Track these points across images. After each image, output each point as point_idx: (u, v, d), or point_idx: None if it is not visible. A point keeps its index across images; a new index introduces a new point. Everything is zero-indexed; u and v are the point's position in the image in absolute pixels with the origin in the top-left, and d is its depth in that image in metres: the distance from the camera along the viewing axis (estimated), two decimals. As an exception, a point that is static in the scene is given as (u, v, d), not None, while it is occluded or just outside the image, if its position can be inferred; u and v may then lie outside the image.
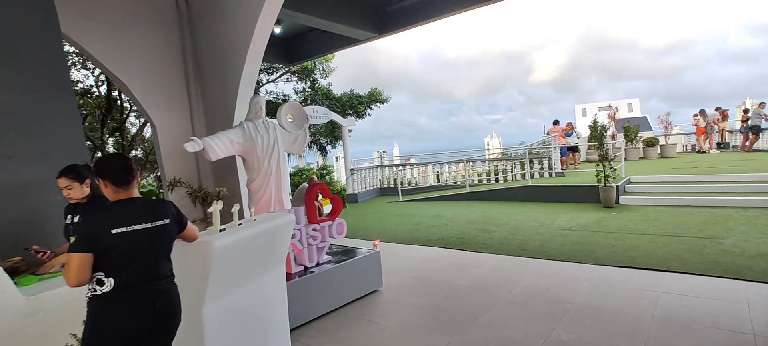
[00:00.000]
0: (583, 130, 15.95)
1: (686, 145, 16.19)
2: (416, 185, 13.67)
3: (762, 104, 13.96)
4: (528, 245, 5.94)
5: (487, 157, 14.03)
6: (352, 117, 14.15)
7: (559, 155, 11.89)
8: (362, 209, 11.28)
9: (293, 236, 4.02)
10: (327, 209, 11.51)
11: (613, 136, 15.21)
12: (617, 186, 8.35)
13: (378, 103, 14.53)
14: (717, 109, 15.91)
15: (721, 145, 15.57)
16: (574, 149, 13.27)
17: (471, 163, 12.99)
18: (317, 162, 21.05)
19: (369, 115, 14.92)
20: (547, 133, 13.23)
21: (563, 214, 8.04)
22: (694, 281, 4.08)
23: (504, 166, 12.18)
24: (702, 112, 15.77)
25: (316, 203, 4.69)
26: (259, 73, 13.47)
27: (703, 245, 5.22)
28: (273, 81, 14.13)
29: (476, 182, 12.53)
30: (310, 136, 16.78)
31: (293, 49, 9.49)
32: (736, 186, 8.10)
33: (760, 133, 14.01)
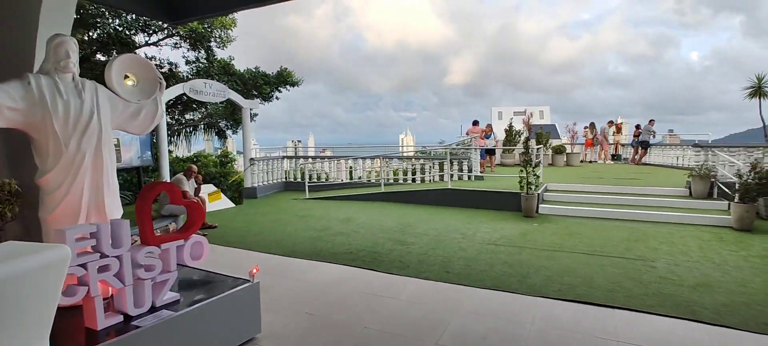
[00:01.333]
0: (498, 133, 15.96)
1: (586, 155, 17.13)
2: (326, 179, 12.30)
3: (652, 122, 15.13)
4: (452, 265, 4.97)
5: (404, 154, 13.17)
6: (257, 99, 12.23)
7: (479, 158, 11.43)
8: (260, 206, 9.59)
9: (105, 269, 2.45)
10: (217, 203, 9.46)
11: (527, 142, 15.45)
12: (538, 195, 7.90)
13: (288, 86, 12.77)
14: (610, 123, 17.07)
15: (615, 157, 16.73)
16: (491, 152, 13.01)
17: (387, 160, 11.98)
18: (226, 146, 18.54)
19: (277, 98, 13.07)
20: (466, 134, 12.77)
21: (485, 223, 7.34)
22: (650, 324, 3.38)
23: (421, 166, 11.38)
24: (591, 126, 16.80)
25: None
26: (132, 31, 10.80)
27: (638, 269, 4.71)
28: (155, 43, 11.51)
29: (392, 181, 11.57)
30: (206, 117, 14.41)
31: (177, 2, 7.45)
32: (642, 199, 8.14)
33: (649, 149, 15.19)
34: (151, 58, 11.42)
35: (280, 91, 12.83)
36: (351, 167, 12.89)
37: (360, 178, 12.23)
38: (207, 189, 9.52)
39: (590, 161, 16.72)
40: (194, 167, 6.52)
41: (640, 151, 15.32)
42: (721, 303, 3.72)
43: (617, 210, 7.63)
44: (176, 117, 13.06)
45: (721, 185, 7.81)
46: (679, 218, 7.10)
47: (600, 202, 8.31)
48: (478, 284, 4.28)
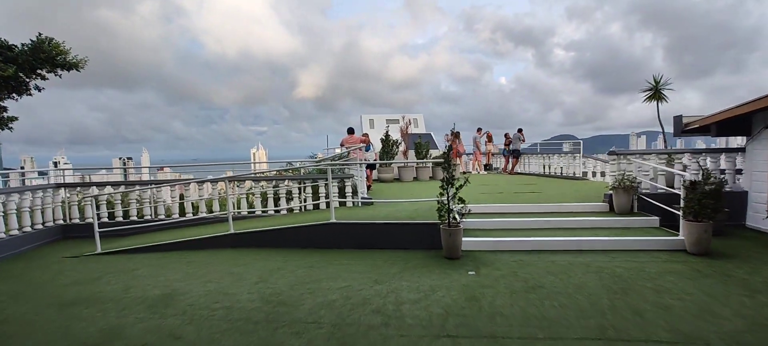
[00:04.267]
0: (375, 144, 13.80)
1: (474, 166, 16.33)
2: (140, 217, 8.08)
3: (520, 130, 15.02)
4: None
5: (262, 173, 9.73)
6: None
7: (363, 175, 8.86)
8: (-12, 283, 5.11)
9: None
10: None
11: (406, 153, 13.66)
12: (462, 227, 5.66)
13: (57, 69, 7.94)
14: (479, 130, 16.69)
15: (487, 167, 16.33)
16: (371, 167, 10.66)
17: (238, 184, 8.46)
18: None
19: (38, 88, 8.07)
20: (342, 145, 10.15)
21: (402, 278, 4.75)
22: None
23: (288, 190, 8.23)
24: (456, 135, 16.20)
25: None
26: None
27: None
28: None
29: (246, 213, 8.11)
30: None
31: None
32: (567, 220, 6.70)
33: (520, 157, 15.03)
34: None
35: (43, 78, 7.92)
36: (182, 196, 8.89)
37: (196, 207, 8.40)
38: None
39: (463, 172, 15.95)
40: None
41: (511, 161, 15.08)
42: None
43: (552, 238, 5.92)
44: None
45: (643, 197, 6.87)
46: (625, 244, 5.72)
47: (524, 227, 6.60)
48: None
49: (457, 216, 5.58)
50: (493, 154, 16.68)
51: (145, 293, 4.48)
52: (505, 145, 15.31)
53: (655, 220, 6.41)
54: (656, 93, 9.88)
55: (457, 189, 5.54)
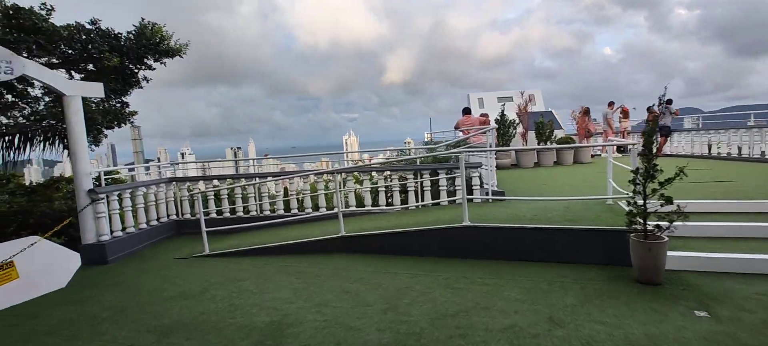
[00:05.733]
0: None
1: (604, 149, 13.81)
2: (246, 212, 7.61)
3: (670, 102, 12.10)
4: None
5: (376, 162, 8.72)
6: (98, 82, 6.94)
7: (494, 164, 7.33)
8: (98, 287, 4.77)
9: None
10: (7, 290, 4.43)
11: (525, 136, 11.76)
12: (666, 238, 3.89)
13: (160, 57, 7.74)
14: (610, 104, 13.91)
15: (623, 149, 13.58)
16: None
17: (343, 176, 7.52)
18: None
19: (146, 79, 8.00)
20: (457, 128, 8.69)
21: (588, 316, 3.25)
22: None
23: (402, 182, 7.05)
24: (585, 111, 13.58)
25: None
26: None
27: None
28: None
29: (353, 207, 7.15)
30: (35, 119, 8.71)
31: None
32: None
33: (670, 136, 12.13)
34: None
35: (151, 68, 7.78)
36: (287, 189, 8.28)
37: (301, 203, 7.70)
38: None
39: (593, 156, 13.45)
40: None
41: (658, 140, 12.23)
42: None
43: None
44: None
45: None
46: None
47: (739, 235, 4.56)
48: None
49: (661, 224, 3.82)
50: (628, 133, 13.83)
51: (251, 320, 3.61)
52: (649, 120, 12.43)
53: None
54: None
55: (661, 184, 3.79)
